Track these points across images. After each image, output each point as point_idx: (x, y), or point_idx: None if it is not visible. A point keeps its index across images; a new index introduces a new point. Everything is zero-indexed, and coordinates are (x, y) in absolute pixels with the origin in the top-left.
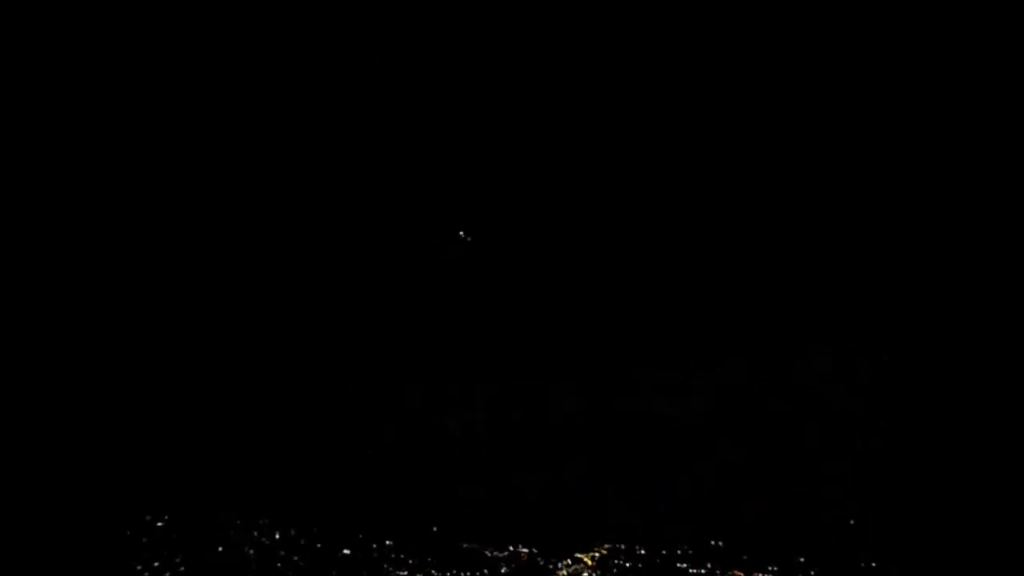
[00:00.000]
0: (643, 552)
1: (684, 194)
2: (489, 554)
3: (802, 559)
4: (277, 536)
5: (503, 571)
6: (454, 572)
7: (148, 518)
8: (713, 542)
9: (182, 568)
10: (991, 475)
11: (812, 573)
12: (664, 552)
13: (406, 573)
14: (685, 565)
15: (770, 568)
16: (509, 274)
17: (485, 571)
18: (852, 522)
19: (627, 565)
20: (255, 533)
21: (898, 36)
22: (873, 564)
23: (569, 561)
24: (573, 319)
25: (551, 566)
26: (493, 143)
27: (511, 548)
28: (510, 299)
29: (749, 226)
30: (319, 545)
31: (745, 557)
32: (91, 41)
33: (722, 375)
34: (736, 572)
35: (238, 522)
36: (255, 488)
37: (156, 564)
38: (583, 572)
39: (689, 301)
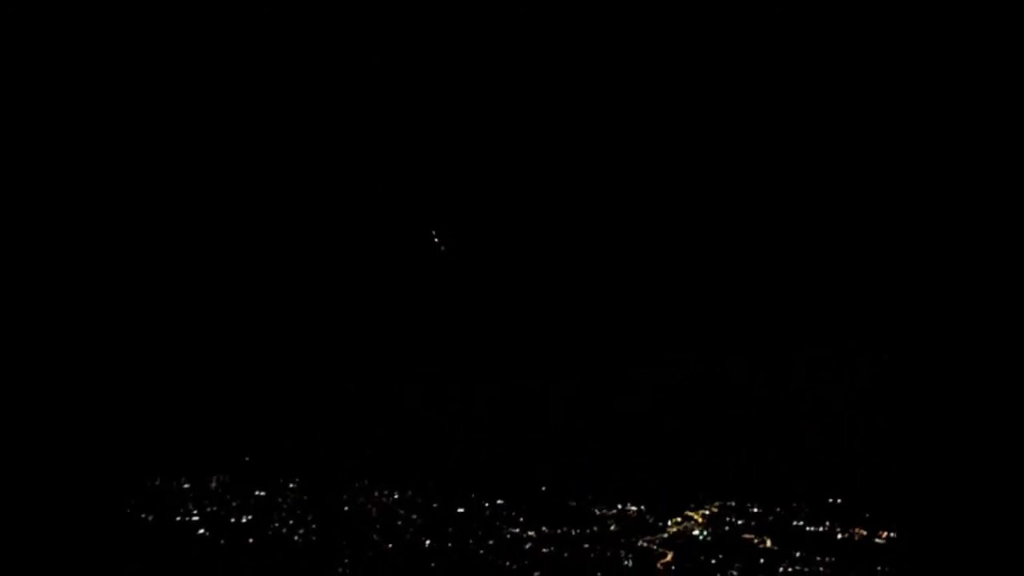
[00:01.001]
0: (757, 510)
1: (684, 194)
2: (597, 511)
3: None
4: (396, 496)
5: (612, 528)
6: (564, 528)
7: (281, 481)
8: (831, 499)
9: (313, 525)
10: (993, 475)
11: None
12: (779, 510)
13: (518, 530)
14: (802, 523)
15: (892, 527)
16: (509, 274)
17: (594, 528)
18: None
19: (739, 523)
20: (375, 494)
21: (896, 36)
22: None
23: (679, 519)
24: (573, 319)
25: (660, 523)
26: (493, 143)
27: (619, 506)
28: (510, 299)
29: (749, 226)
30: (435, 505)
31: (867, 515)
32: (91, 41)
33: (722, 375)
34: (858, 529)
35: (359, 484)
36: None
37: (291, 522)
38: (693, 529)
39: (689, 301)
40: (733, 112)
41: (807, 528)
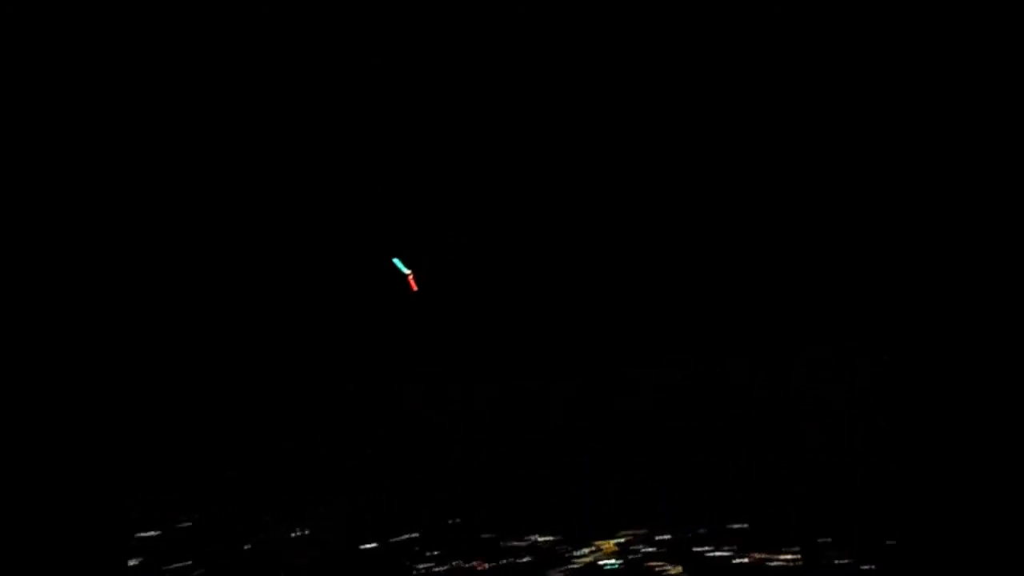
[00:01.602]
0: (665, 537)
1: (683, 194)
2: (510, 544)
3: (829, 539)
4: (295, 533)
5: (525, 559)
6: (477, 562)
7: (172, 518)
8: (735, 525)
9: (201, 570)
10: (992, 476)
11: (836, 554)
12: (686, 536)
13: (432, 564)
14: (708, 547)
15: (794, 549)
16: (509, 274)
17: (508, 559)
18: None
19: (649, 551)
20: (278, 531)
21: (894, 37)
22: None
23: (592, 548)
24: (573, 319)
25: (571, 554)
26: (492, 143)
27: (531, 538)
28: (509, 299)
29: (748, 226)
30: (335, 541)
31: (768, 539)
32: (90, 41)
33: (722, 375)
34: (755, 554)
35: (262, 521)
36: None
37: (189, 562)
38: (604, 558)
39: (689, 301)
40: (732, 113)
41: (709, 553)
